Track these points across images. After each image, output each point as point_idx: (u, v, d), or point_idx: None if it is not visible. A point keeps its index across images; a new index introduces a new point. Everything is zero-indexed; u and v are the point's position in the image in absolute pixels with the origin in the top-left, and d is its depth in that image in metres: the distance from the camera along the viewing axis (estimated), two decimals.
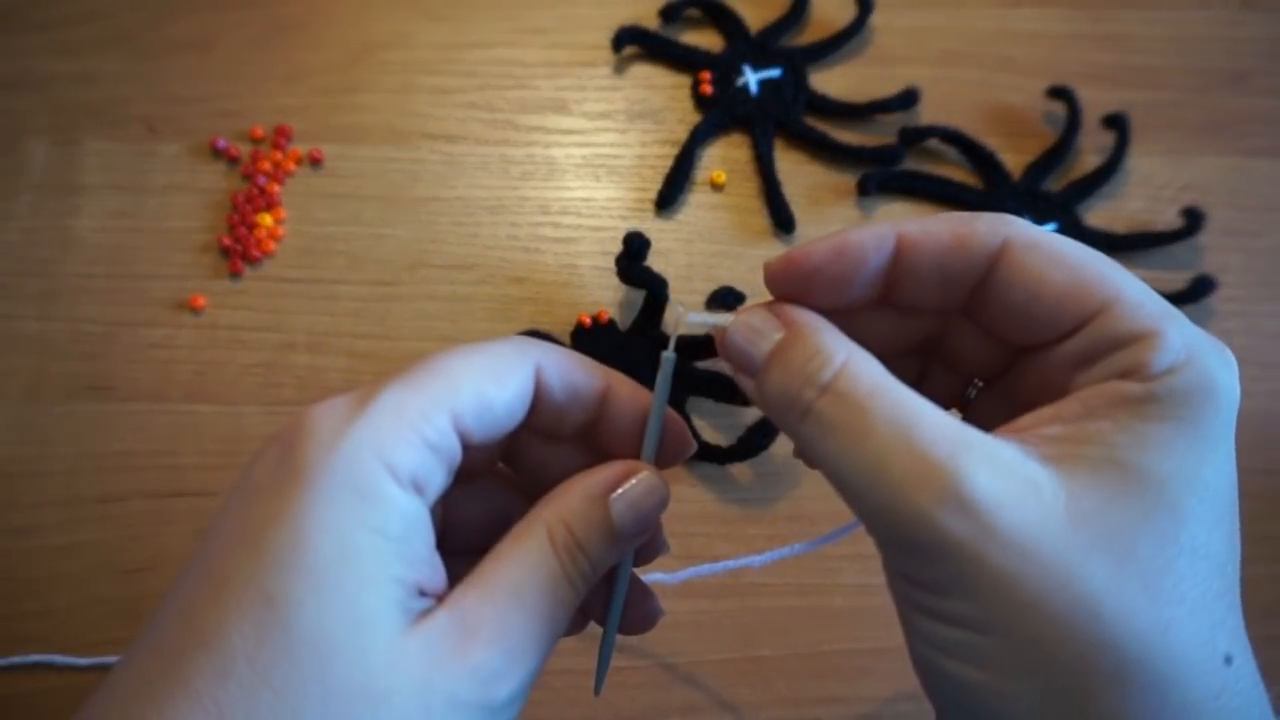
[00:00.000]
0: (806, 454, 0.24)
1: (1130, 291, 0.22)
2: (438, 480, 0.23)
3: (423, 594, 0.22)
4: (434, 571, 0.23)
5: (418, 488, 0.22)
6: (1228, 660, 0.21)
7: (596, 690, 0.30)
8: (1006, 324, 0.24)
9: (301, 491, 0.21)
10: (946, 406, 0.28)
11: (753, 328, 0.24)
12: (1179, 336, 0.21)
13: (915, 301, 0.25)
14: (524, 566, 0.23)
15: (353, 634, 0.20)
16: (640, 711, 0.44)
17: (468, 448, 0.24)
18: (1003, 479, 0.20)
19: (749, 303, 0.27)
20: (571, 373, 0.26)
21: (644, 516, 0.26)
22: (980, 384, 0.27)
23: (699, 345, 0.49)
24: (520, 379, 0.24)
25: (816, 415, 0.22)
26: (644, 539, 0.27)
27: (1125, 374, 0.21)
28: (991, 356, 0.26)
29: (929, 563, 0.21)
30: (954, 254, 0.23)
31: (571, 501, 0.25)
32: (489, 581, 0.23)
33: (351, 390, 0.23)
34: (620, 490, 0.26)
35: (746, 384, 0.24)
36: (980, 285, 0.23)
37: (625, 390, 0.27)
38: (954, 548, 0.20)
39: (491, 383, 0.24)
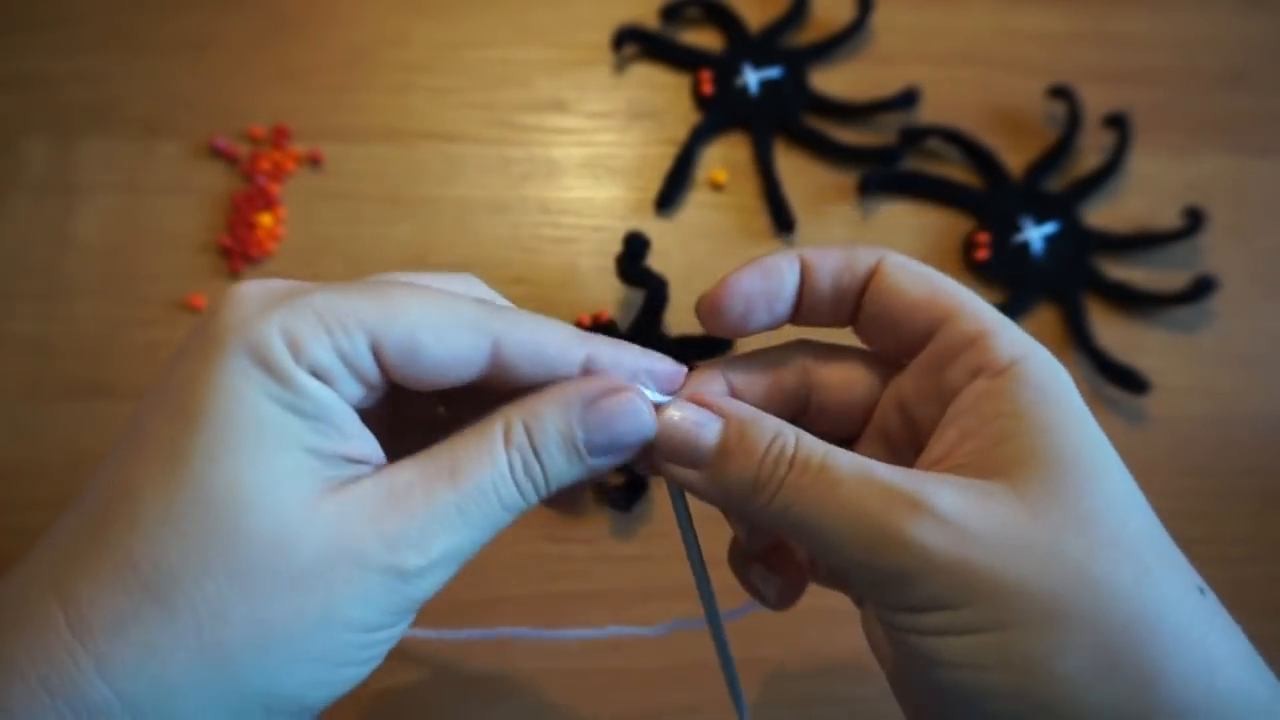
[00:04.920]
0: (774, 525, 0.25)
1: (970, 303, 0.26)
2: (348, 388, 0.23)
3: (353, 461, 0.23)
4: (364, 444, 0.23)
5: (321, 377, 0.22)
6: (1201, 591, 0.23)
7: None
8: (881, 329, 0.27)
9: (216, 356, 0.22)
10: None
11: (690, 422, 0.25)
12: (1012, 334, 0.25)
13: (814, 318, 0.28)
14: (468, 450, 0.24)
15: (264, 490, 0.21)
16: (640, 711, 0.44)
17: (399, 384, 0.24)
18: (961, 494, 0.23)
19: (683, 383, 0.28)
20: (544, 349, 0.25)
21: (616, 439, 0.25)
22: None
23: (698, 345, 0.49)
24: (463, 346, 0.24)
25: (789, 488, 0.24)
26: (613, 464, 0.26)
27: (980, 369, 0.25)
28: (854, 406, 0.29)
29: (920, 584, 0.22)
30: (843, 270, 0.27)
31: (540, 405, 0.24)
32: (429, 457, 0.24)
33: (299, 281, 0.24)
34: (598, 402, 0.25)
35: (687, 476, 0.26)
36: (861, 298, 0.27)
37: (607, 353, 0.26)
38: (940, 560, 0.22)
39: (429, 333, 0.23)
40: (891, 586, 0.23)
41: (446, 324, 0.24)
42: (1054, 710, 0.21)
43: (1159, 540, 0.23)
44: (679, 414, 0.26)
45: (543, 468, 0.24)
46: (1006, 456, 0.23)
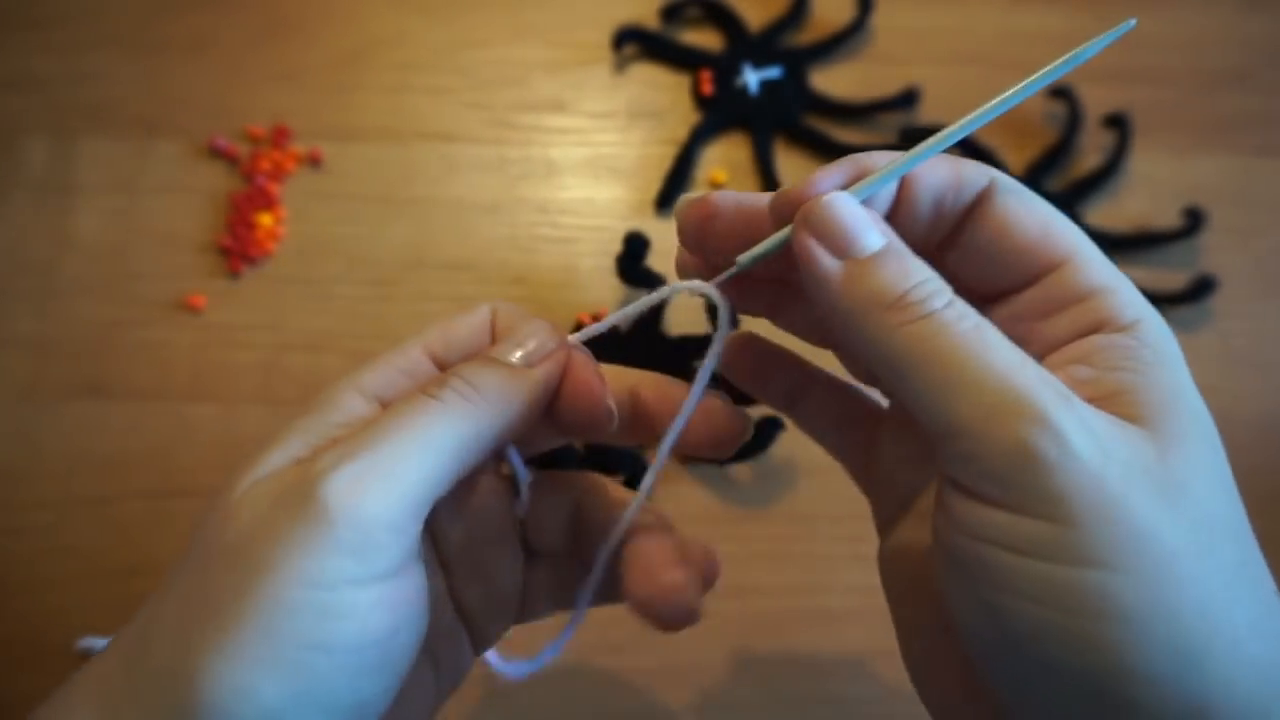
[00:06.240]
0: (880, 353, 0.22)
1: (1088, 249, 0.23)
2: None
3: None
4: None
5: (382, 403, 0.26)
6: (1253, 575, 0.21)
7: None
8: (978, 264, 0.24)
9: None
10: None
11: (863, 215, 0.23)
12: (1133, 292, 0.23)
13: (903, 233, 0.24)
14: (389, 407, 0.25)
15: (232, 484, 0.23)
16: (640, 711, 0.44)
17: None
18: (1103, 416, 0.20)
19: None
20: (514, 318, 0.28)
21: (527, 348, 0.26)
22: None
23: (697, 344, 0.49)
24: (475, 314, 0.28)
25: (932, 323, 0.21)
26: (548, 368, 0.27)
27: (1099, 324, 0.22)
28: None
29: (1027, 484, 0.20)
30: (949, 188, 0.24)
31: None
32: None
33: None
34: (496, 343, 0.27)
35: (826, 264, 0.23)
36: (961, 222, 0.24)
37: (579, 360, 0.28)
38: (1069, 467, 0.19)
39: (452, 319, 0.28)
40: (989, 474, 0.20)
41: (460, 311, 0.28)
42: (1117, 672, 0.19)
43: (1234, 525, 0.21)
44: (858, 205, 0.23)
45: (455, 374, 0.25)
46: (1126, 408, 0.21)
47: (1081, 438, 0.19)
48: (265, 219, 0.52)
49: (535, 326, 0.27)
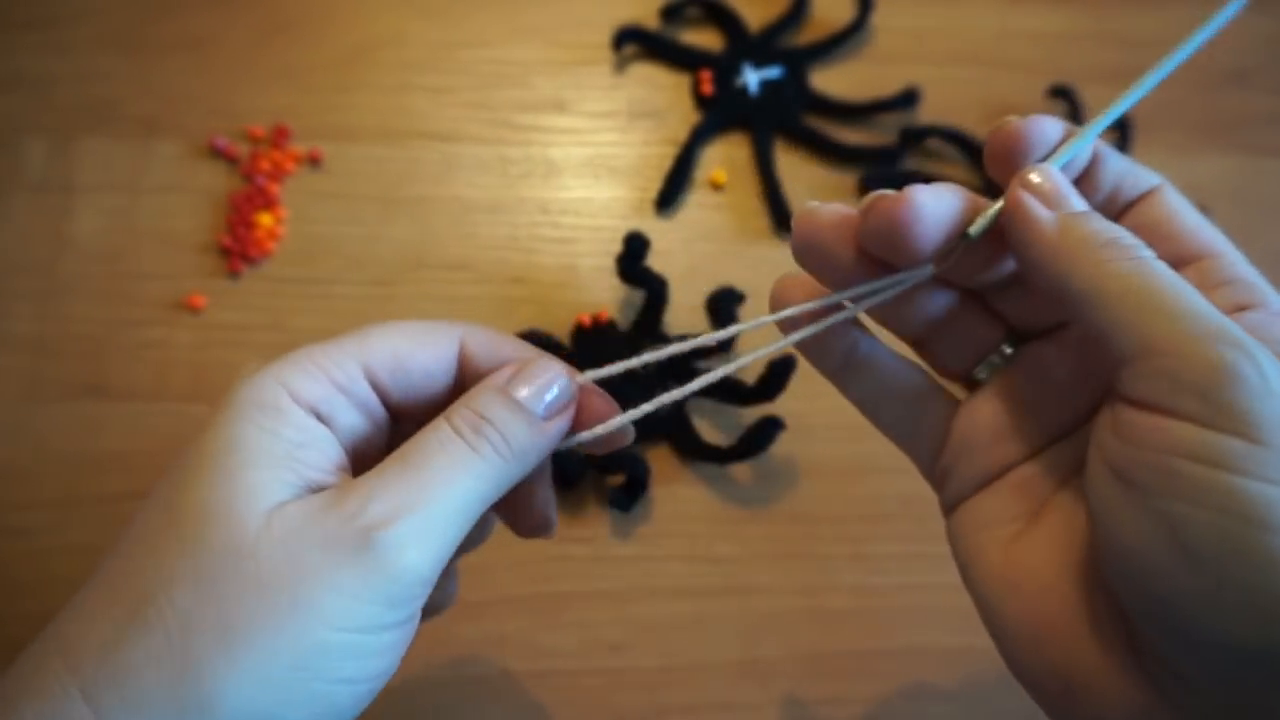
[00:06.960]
0: (1078, 288, 0.23)
1: (1235, 250, 0.26)
2: (347, 418, 0.26)
3: (322, 489, 0.24)
4: (335, 478, 0.25)
5: (319, 415, 0.25)
6: None
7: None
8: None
9: (215, 413, 0.24)
10: (967, 369, 0.29)
11: (1070, 186, 0.25)
12: (1275, 291, 0.25)
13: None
14: (415, 440, 0.25)
15: (228, 503, 0.23)
16: (640, 711, 0.44)
17: (396, 406, 0.27)
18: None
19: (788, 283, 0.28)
20: (498, 345, 0.28)
21: (541, 387, 0.27)
22: (1008, 350, 0.28)
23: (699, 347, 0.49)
24: (439, 343, 0.27)
25: (1148, 263, 0.23)
26: (565, 415, 0.28)
27: (1251, 305, 0.24)
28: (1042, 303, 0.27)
29: (1225, 398, 0.20)
30: (1127, 174, 0.27)
31: (473, 392, 0.27)
32: (383, 463, 0.25)
33: None
34: (520, 370, 0.27)
35: (1039, 211, 0.24)
36: (1124, 210, 0.27)
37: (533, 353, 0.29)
38: (1271, 389, 0.20)
39: (407, 343, 0.27)
40: (1189, 388, 0.21)
41: (419, 332, 0.27)
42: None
43: None
44: (1065, 178, 0.25)
45: (499, 431, 0.25)
46: None
47: (1277, 373, 0.20)
48: (265, 219, 0.52)
49: (551, 371, 0.27)
